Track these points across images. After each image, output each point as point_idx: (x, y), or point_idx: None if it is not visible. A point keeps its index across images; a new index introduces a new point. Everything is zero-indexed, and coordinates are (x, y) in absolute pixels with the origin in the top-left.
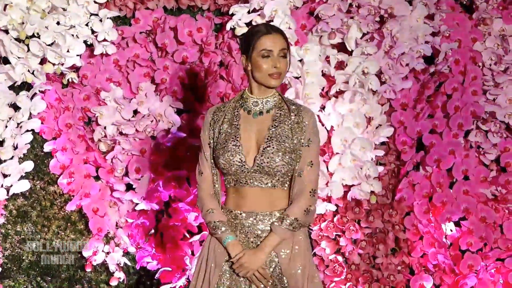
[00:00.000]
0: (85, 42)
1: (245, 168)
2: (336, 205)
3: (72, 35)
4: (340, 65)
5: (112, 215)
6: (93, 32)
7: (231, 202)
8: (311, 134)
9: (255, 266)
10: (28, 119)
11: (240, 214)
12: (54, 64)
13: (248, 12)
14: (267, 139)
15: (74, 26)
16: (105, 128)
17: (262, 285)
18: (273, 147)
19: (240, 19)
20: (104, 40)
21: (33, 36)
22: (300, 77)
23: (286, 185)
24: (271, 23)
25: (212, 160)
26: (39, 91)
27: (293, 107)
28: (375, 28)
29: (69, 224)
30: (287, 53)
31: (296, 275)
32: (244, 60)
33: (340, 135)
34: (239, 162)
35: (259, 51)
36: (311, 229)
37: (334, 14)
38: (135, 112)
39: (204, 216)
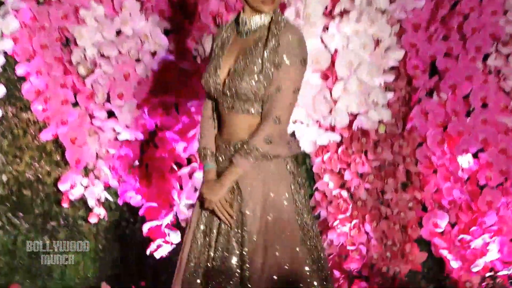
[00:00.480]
0: None
1: (219, 90)
2: (341, 135)
3: None
4: None
5: (92, 145)
6: None
7: (220, 129)
8: (285, 55)
9: (214, 197)
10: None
11: (221, 142)
12: None
13: None
14: (239, 60)
15: None
16: (84, 49)
17: (227, 222)
18: (241, 68)
19: None
20: None
21: None
22: None
23: (254, 111)
24: None
25: None
26: (11, 8)
27: (276, 26)
28: None
29: (44, 154)
30: None
31: (252, 217)
32: None
33: (345, 58)
34: (213, 83)
35: None
36: (312, 162)
37: None
38: (118, 32)
39: (198, 142)
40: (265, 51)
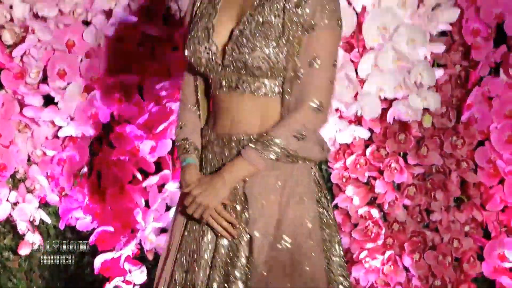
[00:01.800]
0: None
1: (215, 62)
2: (370, 129)
3: None
4: None
5: (22, 144)
6: None
7: (210, 119)
8: (318, 13)
9: (213, 201)
10: None
11: (215, 137)
12: None
13: None
14: (246, 20)
15: None
16: (10, 7)
17: (228, 234)
18: (251, 30)
19: None
20: None
21: None
22: None
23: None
24: None
25: None
26: None
27: None
28: None
29: None
30: None
31: (261, 241)
32: None
33: (377, 20)
34: (205, 53)
35: None
36: (331, 168)
37: None
38: None
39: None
40: (286, 6)
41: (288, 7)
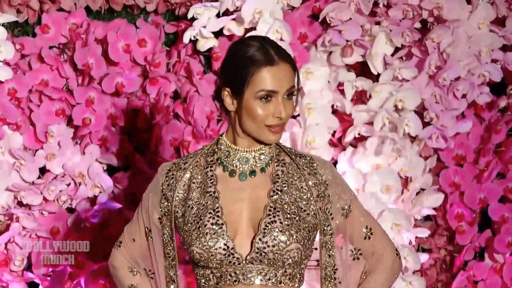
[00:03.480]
0: None
1: (234, 258)
2: None
3: None
4: (361, 97)
5: None
6: None
7: None
8: (345, 192)
9: None
10: None
11: None
12: None
13: (217, 16)
14: (270, 211)
15: None
16: None
17: None
18: (281, 223)
19: (204, 27)
20: None
21: None
22: (298, 115)
23: (297, 280)
24: (254, 32)
25: (169, 239)
26: None
27: (302, 160)
28: (414, 39)
29: None
30: (294, 91)
31: None
32: (228, 96)
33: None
34: (224, 250)
35: (256, 91)
36: None
37: (350, 19)
38: (42, 171)
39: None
40: (309, 198)
41: (311, 198)
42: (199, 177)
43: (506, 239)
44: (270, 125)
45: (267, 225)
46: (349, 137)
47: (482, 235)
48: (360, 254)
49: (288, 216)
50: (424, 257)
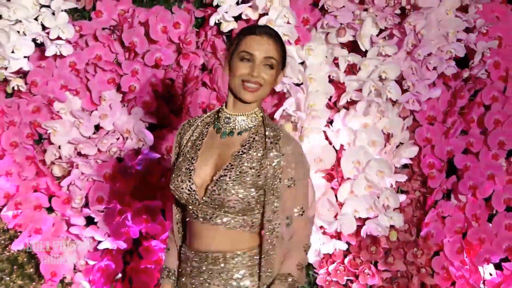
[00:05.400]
0: (34, 40)
1: (194, 198)
2: (348, 243)
3: (18, 31)
4: (352, 69)
5: (69, 256)
6: (44, 28)
7: (187, 239)
8: (296, 170)
9: None
10: None
11: (192, 254)
12: None
13: (237, 3)
14: (227, 166)
15: (20, 21)
16: (59, 147)
17: None
18: (231, 177)
19: (226, 12)
20: (58, 38)
21: None
22: (302, 83)
23: (254, 229)
24: (266, 17)
25: None
26: None
27: (272, 133)
28: (395, 23)
29: (15, 267)
30: (275, 65)
31: None
32: (226, 65)
33: (352, 156)
34: (188, 190)
35: (239, 52)
36: (317, 273)
37: (343, 6)
38: (97, 127)
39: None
40: (265, 163)
41: (268, 168)
42: (197, 132)
43: (468, 183)
44: (245, 80)
45: (219, 178)
46: (342, 101)
47: (449, 180)
48: (288, 225)
49: (239, 174)
50: (402, 197)
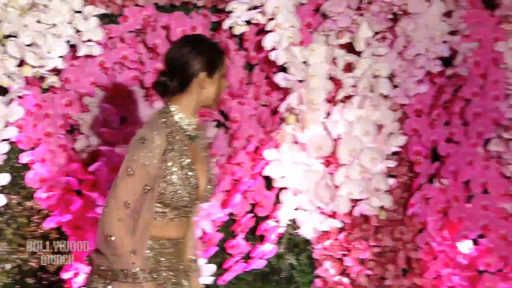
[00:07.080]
0: (67, 42)
1: (191, 203)
2: (342, 221)
3: (54, 34)
4: (349, 67)
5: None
6: (77, 31)
7: (155, 231)
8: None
9: None
10: (5, 127)
11: (168, 241)
12: (33, 67)
13: (248, 9)
14: (208, 166)
15: (56, 25)
16: (88, 137)
17: None
18: (211, 174)
19: (239, 17)
20: (89, 40)
21: (10, 35)
22: (304, 80)
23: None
24: (274, 21)
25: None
26: (16, 96)
27: (203, 130)
28: (387, 26)
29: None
30: None
31: None
32: (204, 76)
33: (348, 145)
34: (191, 194)
35: (223, 72)
36: (313, 248)
37: (342, 11)
38: (122, 120)
39: (125, 257)
40: (207, 155)
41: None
42: (177, 137)
43: (449, 168)
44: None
45: (211, 176)
46: (340, 96)
47: (433, 166)
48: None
49: (209, 168)
50: (391, 181)
